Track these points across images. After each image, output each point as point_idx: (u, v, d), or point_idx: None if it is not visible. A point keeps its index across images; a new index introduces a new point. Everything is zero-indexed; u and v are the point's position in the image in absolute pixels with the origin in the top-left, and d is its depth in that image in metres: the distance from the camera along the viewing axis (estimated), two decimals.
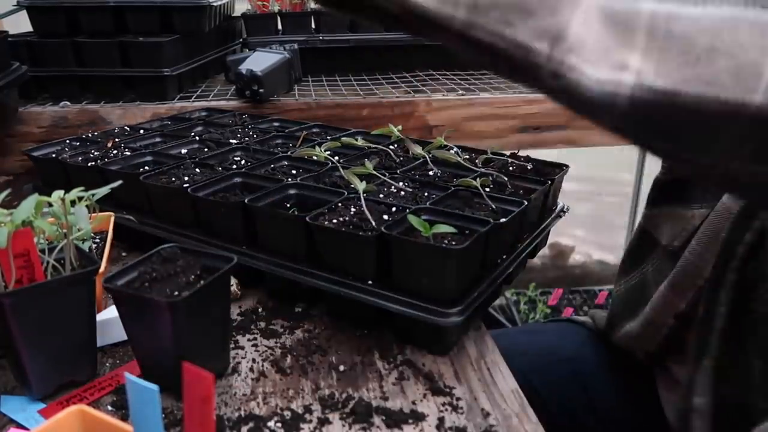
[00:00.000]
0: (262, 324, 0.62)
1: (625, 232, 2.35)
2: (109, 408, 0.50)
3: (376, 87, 1.28)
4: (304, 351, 0.57)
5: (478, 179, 0.69)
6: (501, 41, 0.32)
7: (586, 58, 0.31)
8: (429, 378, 0.54)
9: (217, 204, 0.67)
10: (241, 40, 1.53)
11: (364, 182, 0.65)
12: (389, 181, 0.71)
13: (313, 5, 1.41)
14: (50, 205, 0.52)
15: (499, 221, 0.60)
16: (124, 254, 0.76)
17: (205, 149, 0.87)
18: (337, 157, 0.80)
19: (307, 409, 0.50)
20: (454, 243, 0.55)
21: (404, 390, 0.52)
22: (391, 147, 0.85)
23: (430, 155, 0.80)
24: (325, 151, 0.80)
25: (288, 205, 0.67)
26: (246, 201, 0.64)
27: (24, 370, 0.49)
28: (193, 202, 0.68)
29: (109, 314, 0.56)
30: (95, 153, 0.85)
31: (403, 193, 0.69)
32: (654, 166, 0.81)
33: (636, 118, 0.32)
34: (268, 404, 0.50)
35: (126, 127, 0.99)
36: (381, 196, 0.67)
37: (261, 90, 1.12)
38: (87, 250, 0.54)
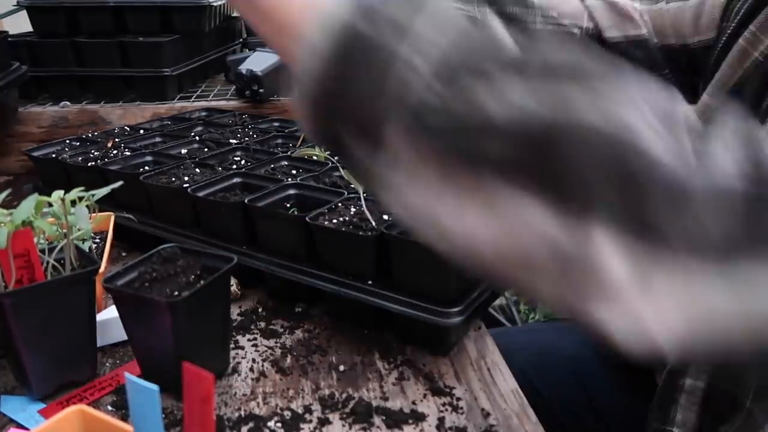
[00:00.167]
0: (262, 324, 0.62)
1: None
2: (109, 408, 0.50)
3: None
4: (304, 351, 0.57)
5: None
6: None
7: None
8: (429, 378, 0.54)
9: (217, 204, 0.67)
10: (241, 40, 1.53)
11: None
12: None
13: None
14: (50, 205, 0.52)
15: None
16: (124, 254, 0.76)
17: (205, 149, 0.87)
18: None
19: (307, 409, 0.50)
20: None
21: (404, 390, 0.52)
22: None
23: None
24: (325, 151, 0.80)
25: (288, 205, 0.67)
26: (246, 201, 0.64)
27: (24, 370, 0.49)
28: (193, 202, 0.68)
29: (109, 314, 0.56)
30: (95, 153, 0.85)
31: None
32: None
33: None
34: (268, 404, 0.50)
35: (126, 127, 0.99)
36: None
37: (261, 90, 1.12)
38: (87, 250, 0.54)
